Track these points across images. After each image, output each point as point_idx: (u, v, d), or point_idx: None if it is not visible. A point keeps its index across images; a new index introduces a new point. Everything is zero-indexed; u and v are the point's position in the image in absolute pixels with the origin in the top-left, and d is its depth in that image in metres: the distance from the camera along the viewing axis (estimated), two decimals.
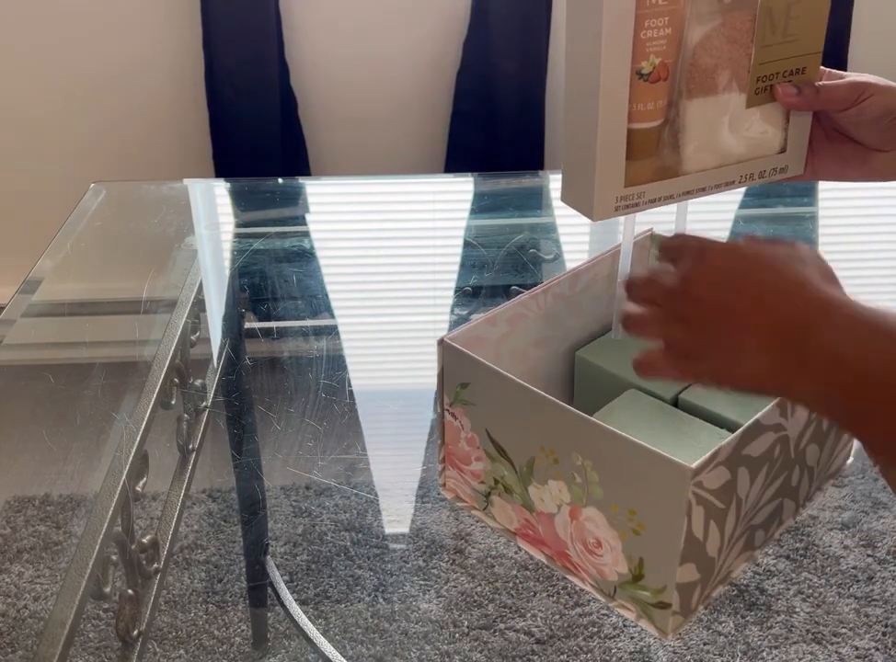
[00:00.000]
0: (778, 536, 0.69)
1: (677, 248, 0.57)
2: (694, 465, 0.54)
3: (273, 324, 1.18)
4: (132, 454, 0.84)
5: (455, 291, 1.18)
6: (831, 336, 0.47)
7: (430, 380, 0.70)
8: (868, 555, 1.29)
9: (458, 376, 0.67)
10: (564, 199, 0.64)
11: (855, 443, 0.74)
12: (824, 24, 0.63)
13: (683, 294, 0.53)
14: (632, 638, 1.18)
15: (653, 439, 0.58)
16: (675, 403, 0.72)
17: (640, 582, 0.61)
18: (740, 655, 1.15)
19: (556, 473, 0.63)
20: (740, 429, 0.58)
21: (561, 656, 1.15)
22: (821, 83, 0.64)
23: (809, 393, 0.47)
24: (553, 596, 1.21)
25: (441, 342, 0.67)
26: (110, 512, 0.77)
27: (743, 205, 1.36)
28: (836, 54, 1.88)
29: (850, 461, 0.75)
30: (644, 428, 0.67)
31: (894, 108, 0.63)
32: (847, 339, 0.46)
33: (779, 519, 0.68)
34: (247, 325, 1.18)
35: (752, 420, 0.59)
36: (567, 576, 0.67)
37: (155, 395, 0.91)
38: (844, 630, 1.19)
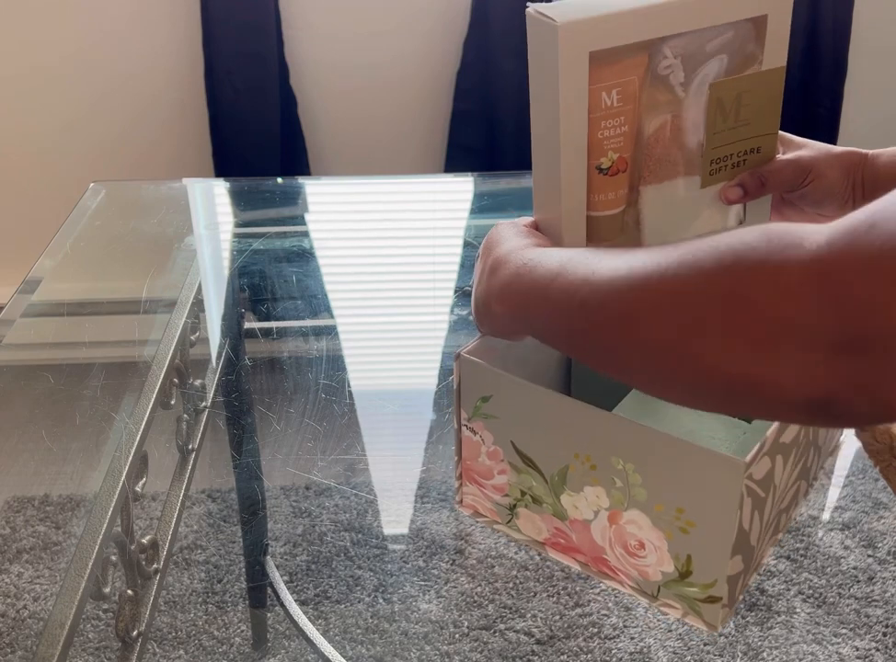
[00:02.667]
0: (795, 517, 0.70)
1: None
2: (747, 458, 0.55)
3: (273, 324, 1.18)
4: (132, 454, 0.84)
5: (455, 291, 1.18)
6: (511, 271, 0.57)
7: (429, 380, 0.70)
8: (869, 556, 1.29)
9: (478, 390, 0.66)
10: None
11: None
12: (778, 107, 0.66)
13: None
14: (632, 638, 1.18)
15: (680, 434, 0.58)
16: None
17: (688, 579, 0.61)
18: (740, 655, 1.15)
19: (592, 479, 0.62)
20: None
21: (561, 657, 1.15)
22: (765, 169, 0.67)
23: (498, 312, 0.58)
24: (553, 596, 1.21)
25: (458, 357, 0.66)
26: (110, 512, 0.77)
27: None
28: (836, 54, 1.88)
29: (843, 438, 0.77)
30: (661, 424, 0.67)
31: (835, 191, 0.66)
32: (522, 270, 0.56)
33: (796, 501, 0.69)
34: (247, 325, 1.18)
35: None
36: (604, 581, 0.66)
37: (154, 395, 0.91)
38: (844, 630, 1.19)
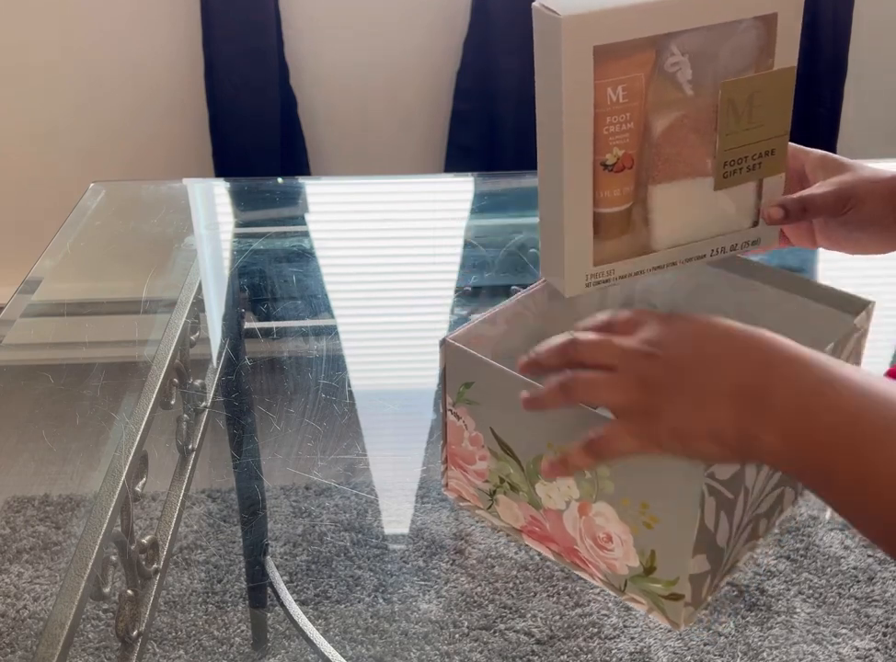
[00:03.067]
0: (778, 524, 0.70)
1: (610, 321, 0.56)
2: None
3: (273, 324, 1.18)
4: (132, 454, 0.84)
5: (455, 291, 1.18)
6: (796, 388, 0.46)
7: (430, 380, 0.70)
8: (869, 556, 1.29)
9: (462, 376, 0.67)
10: (543, 273, 0.69)
11: None
12: (789, 108, 0.65)
13: (645, 355, 0.51)
14: (632, 639, 1.18)
15: None
16: None
17: (652, 575, 0.61)
18: (740, 655, 1.15)
19: None
20: None
21: (561, 657, 1.15)
22: (806, 194, 0.66)
23: (773, 444, 0.46)
24: (553, 596, 1.21)
25: (443, 342, 0.67)
26: (110, 512, 0.77)
27: None
28: (836, 54, 1.88)
29: None
30: None
31: (876, 217, 0.65)
32: (814, 393, 0.45)
33: (780, 507, 0.69)
34: (247, 325, 1.18)
35: None
36: (576, 572, 0.67)
37: (154, 395, 0.91)
38: (844, 630, 1.19)
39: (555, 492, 0.65)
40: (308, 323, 1.16)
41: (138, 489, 0.83)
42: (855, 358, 0.70)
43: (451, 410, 0.70)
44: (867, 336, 0.70)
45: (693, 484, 0.56)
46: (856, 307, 0.69)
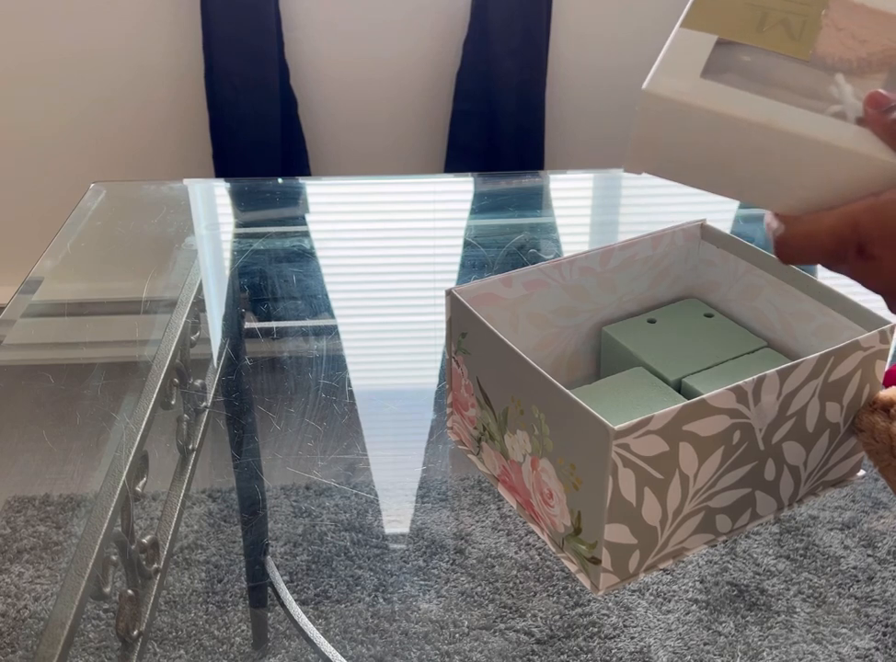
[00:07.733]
0: (754, 528, 0.70)
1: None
2: (617, 427, 0.56)
3: (273, 324, 1.18)
4: (132, 454, 0.84)
5: None
6: None
7: (429, 380, 0.71)
8: (869, 555, 1.29)
9: (460, 326, 0.71)
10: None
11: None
12: None
13: None
14: (632, 638, 1.18)
15: (631, 413, 0.60)
16: (678, 388, 0.72)
17: (579, 536, 0.63)
18: (740, 655, 1.15)
19: (521, 423, 0.66)
20: (679, 404, 0.59)
21: (561, 657, 1.15)
22: None
23: None
24: (553, 596, 1.21)
25: (448, 293, 0.71)
26: (110, 512, 0.78)
27: (744, 204, 1.36)
28: None
29: (861, 473, 0.74)
30: (630, 402, 0.69)
31: None
32: None
33: (752, 510, 0.68)
34: (247, 325, 1.18)
35: (697, 399, 0.60)
36: (531, 525, 0.70)
37: (154, 395, 0.91)
38: (844, 630, 1.19)
39: (516, 444, 0.68)
40: (308, 323, 1.16)
41: (138, 489, 0.83)
42: (862, 378, 0.67)
43: (453, 357, 0.74)
44: (885, 358, 0.68)
45: (604, 450, 0.57)
46: (875, 327, 0.66)
